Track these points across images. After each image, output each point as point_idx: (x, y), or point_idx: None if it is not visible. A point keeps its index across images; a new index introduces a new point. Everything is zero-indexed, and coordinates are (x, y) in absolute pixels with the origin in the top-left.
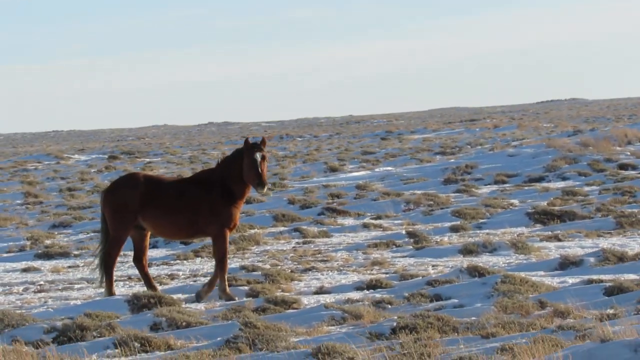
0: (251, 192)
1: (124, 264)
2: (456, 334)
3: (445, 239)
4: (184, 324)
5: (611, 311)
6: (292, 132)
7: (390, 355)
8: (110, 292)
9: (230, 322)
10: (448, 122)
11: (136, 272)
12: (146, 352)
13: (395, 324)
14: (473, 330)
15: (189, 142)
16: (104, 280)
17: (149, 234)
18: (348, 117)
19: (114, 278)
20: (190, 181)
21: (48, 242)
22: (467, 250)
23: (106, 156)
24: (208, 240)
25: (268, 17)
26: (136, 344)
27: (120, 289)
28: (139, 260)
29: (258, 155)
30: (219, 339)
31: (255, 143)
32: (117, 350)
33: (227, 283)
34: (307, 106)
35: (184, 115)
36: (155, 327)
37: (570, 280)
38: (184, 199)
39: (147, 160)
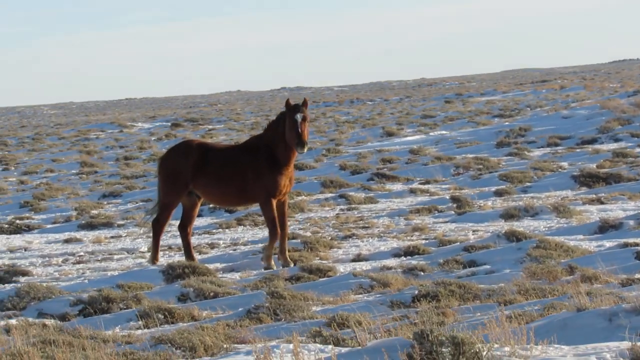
0: (301, 157)
1: (166, 234)
2: (478, 301)
3: (489, 203)
4: (211, 294)
5: (639, 275)
6: (363, 96)
7: (400, 324)
8: (154, 259)
9: (257, 292)
10: (519, 84)
11: (178, 241)
12: (169, 323)
13: (417, 292)
14: (494, 298)
15: (260, 108)
16: (152, 246)
17: (200, 202)
18: (420, 80)
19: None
20: (240, 148)
21: (94, 212)
22: (508, 215)
23: (169, 124)
24: (252, 208)
25: None
26: (159, 316)
27: (160, 259)
28: (184, 227)
29: (299, 116)
30: (240, 309)
31: (297, 104)
32: (140, 322)
33: (272, 251)
34: (380, 70)
35: (258, 81)
36: (182, 298)
37: (608, 244)
38: (232, 167)
39: (210, 127)
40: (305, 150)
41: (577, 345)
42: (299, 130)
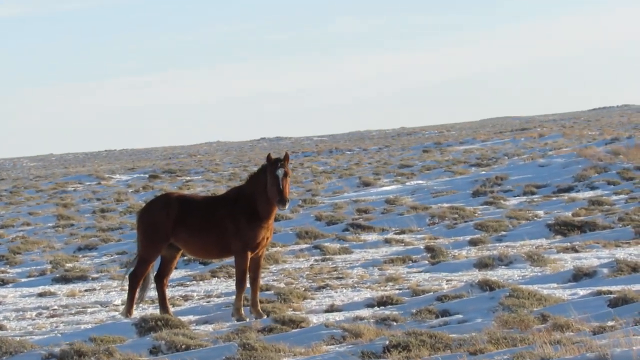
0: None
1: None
2: (449, 351)
3: (463, 252)
4: (183, 346)
5: (611, 323)
6: (342, 146)
7: None
8: (128, 312)
9: (229, 343)
10: (499, 132)
11: (151, 294)
12: None
13: (388, 342)
14: (464, 347)
15: (239, 159)
16: (126, 300)
17: (179, 253)
18: (400, 129)
19: (139, 299)
20: (220, 199)
21: (69, 265)
22: (482, 264)
23: (147, 175)
24: (227, 261)
25: (316, 28)
26: None
27: (133, 312)
28: (160, 278)
29: (280, 172)
30: None
31: (278, 159)
32: None
33: (242, 302)
34: (359, 119)
35: (237, 131)
36: (154, 351)
37: (581, 292)
38: (212, 219)
39: (187, 178)
40: (287, 207)
41: None
42: (280, 187)
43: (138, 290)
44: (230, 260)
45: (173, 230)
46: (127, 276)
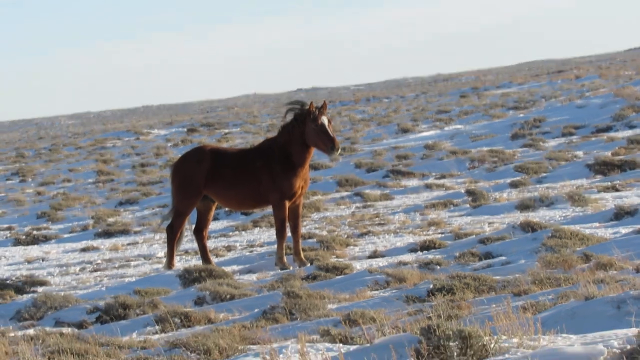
0: (316, 157)
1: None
2: (493, 293)
3: (504, 195)
4: (227, 296)
5: None
6: (379, 94)
7: (415, 319)
8: (170, 264)
9: (274, 292)
10: (535, 75)
11: (194, 245)
12: (186, 327)
13: (432, 286)
14: (508, 289)
15: (276, 110)
16: (167, 252)
17: (214, 206)
18: (436, 76)
19: (176, 251)
20: (253, 151)
21: (111, 220)
22: (523, 206)
23: (185, 129)
24: (268, 210)
25: None
26: (176, 320)
27: (176, 264)
28: (199, 231)
29: (325, 119)
30: (256, 310)
31: (318, 107)
32: (157, 327)
33: (284, 251)
34: (395, 66)
35: (274, 83)
36: (199, 302)
37: (623, 230)
38: (246, 170)
39: (226, 131)
40: (338, 153)
41: (585, 334)
42: (331, 133)
43: (176, 242)
44: (270, 210)
45: (206, 183)
46: (164, 229)
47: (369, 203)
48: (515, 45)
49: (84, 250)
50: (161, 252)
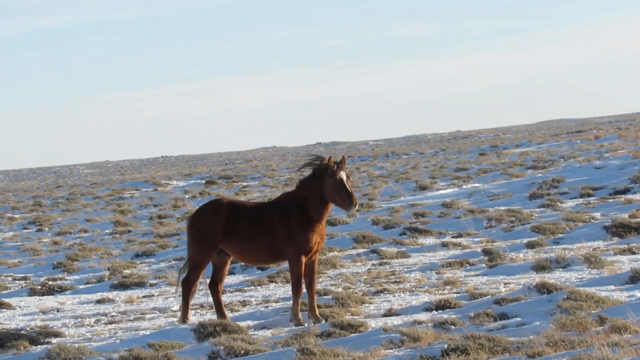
0: (334, 213)
1: (198, 292)
2: (507, 354)
3: (521, 255)
4: (242, 352)
5: None
6: (398, 150)
7: None
8: (184, 318)
9: (288, 348)
10: (554, 135)
11: (209, 299)
12: None
13: (446, 346)
14: (522, 350)
15: (295, 164)
16: (181, 306)
17: (230, 260)
18: (456, 133)
19: (190, 306)
20: (271, 205)
21: (127, 272)
22: (539, 267)
23: (203, 181)
24: (284, 266)
25: (370, 34)
26: None
27: (191, 318)
28: (214, 285)
29: (344, 174)
30: None
31: (335, 162)
32: None
33: (299, 307)
34: (415, 122)
35: (293, 137)
36: (213, 356)
37: (639, 294)
38: (263, 224)
39: (244, 184)
40: (356, 209)
41: None
42: (349, 189)
43: (191, 296)
44: (286, 265)
45: (222, 236)
46: (179, 283)
47: (385, 260)
48: (535, 103)
49: (99, 302)
50: (176, 305)
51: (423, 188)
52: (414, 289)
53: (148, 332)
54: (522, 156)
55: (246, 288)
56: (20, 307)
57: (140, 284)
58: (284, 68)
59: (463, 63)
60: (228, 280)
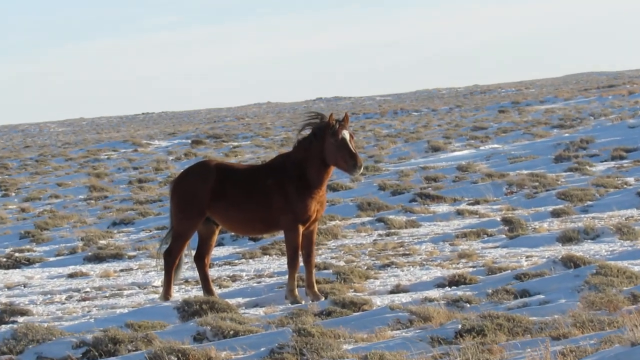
0: (335, 177)
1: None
2: (529, 335)
3: (545, 225)
4: (231, 332)
5: None
6: (408, 106)
7: None
8: (167, 294)
9: (283, 329)
10: (583, 90)
11: (195, 274)
12: None
13: (460, 326)
14: (546, 331)
15: (292, 122)
16: (163, 281)
17: (218, 230)
18: (473, 87)
19: (174, 280)
20: (264, 168)
21: (103, 242)
22: (566, 238)
23: (189, 141)
24: (279, 236)
25: None
26: (172, 358)
27: (175, 294)
28: (201, 258)
29: (347, 133)
30: (262, 349)
31: (337, 120)
32: None
33: (296, 283)
34: (427, 76)
35: (290, 91)
36: (199, 338)
37: None
38: (255, 190)
39: (235, 144)
40: (360, 172)
41: None
42: (352, 149)
43: (174, 269)
44: (281, 236)
45: (209, 203)
46: (161, 254)
47: (392, 230)
48: (562, 54)
49: (71, 276)
50: (158, 280)
51: (436, 149)
52: (424, 263)
53: (126, 311)
54: (547, 114)
55: (236, 261)
56: None
57: (117, 256)
58: (280, 15)
59: (484, 10)
60: (216, 252)
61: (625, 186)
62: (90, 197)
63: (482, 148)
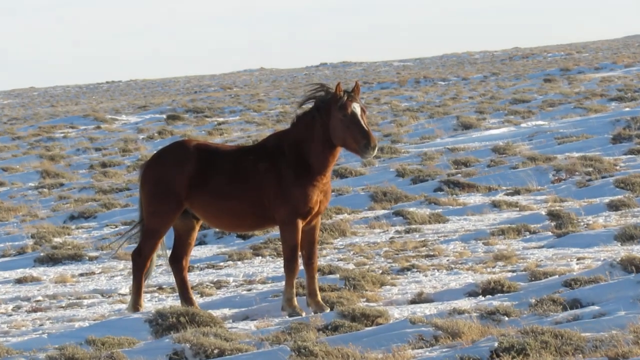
0: (343, 160)
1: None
2: (580, 355)
3: (601, 220)
4: (215, 351)
5: None
6: (433, 74)
7: None
8: (136, 304)
9: (279, 347)
10: None
11: (170, 280)
12: None
13: (497, 344)
14: (602, 350)
15: (291, 92)
16: (132, 288)
17: (199, 225)
18: (512, 51)
19: (144, 287)
20: (256, 150)
21: (58, 240)
22: (626, 236)
23: (164, 116)
24: (274, 233)
25: None
26: None
27: (146, 304)
28: (177, 260)
29: (357, 107)
30: None
31: (347, 91)
32: None
33: (294, 291)
34: (456, 37)
35: (288, 56)
36: (175, 357)
37: None
38: (245, 177)
39: (220, 119)
40: (374, 154)
41: None
42: (364, 127)
43: (145, 274)
44: (276, 232)
45: (188, 192)
46: (129, 255)
47: (413, 226)
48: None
49: (19, 281)
50: (125, 286)
51: (467, 127)
52: (452, 266)
53: (86, 324)
54: (603, 83)
55: (222, 264)
56: None
57: (75, 258)
58: None
59: None
60: (197, 252)
61: None
62: (42, 184)
63: (523, 125)
